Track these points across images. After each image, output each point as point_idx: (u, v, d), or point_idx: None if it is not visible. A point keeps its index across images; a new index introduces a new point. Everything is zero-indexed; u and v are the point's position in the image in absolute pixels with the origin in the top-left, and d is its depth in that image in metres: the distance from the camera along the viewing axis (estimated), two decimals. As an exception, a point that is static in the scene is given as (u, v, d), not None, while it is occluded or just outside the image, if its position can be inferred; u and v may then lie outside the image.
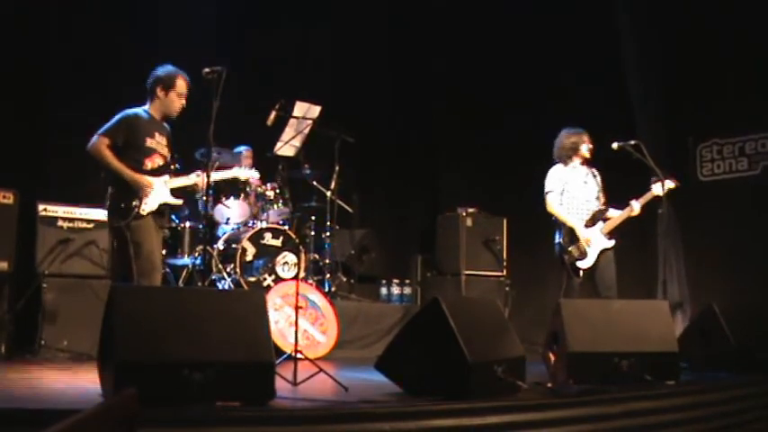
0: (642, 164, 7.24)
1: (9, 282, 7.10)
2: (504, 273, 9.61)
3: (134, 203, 5.77)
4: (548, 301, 7.77)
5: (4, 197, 7.11)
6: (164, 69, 6.04)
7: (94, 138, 5.84)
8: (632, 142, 7.32)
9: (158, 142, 6.00)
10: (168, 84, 5.99)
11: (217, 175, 6.50)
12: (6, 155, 7.93)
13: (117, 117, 5.92)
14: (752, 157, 8.96)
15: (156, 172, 5.96)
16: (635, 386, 5.44)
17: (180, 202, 6.13)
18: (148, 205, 5.81)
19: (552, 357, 5.79)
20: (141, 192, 5.80)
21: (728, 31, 8.87)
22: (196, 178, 6.13)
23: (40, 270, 7.23)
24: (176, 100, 6.01)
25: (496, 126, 10.57)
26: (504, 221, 9.71)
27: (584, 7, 9.70)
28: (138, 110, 6.01)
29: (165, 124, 6.16)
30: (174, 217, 8.20)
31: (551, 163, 7.56)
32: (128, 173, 5.80)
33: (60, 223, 7.41)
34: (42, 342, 6.99)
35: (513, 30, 10.33)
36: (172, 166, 6.18)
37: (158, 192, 5.89)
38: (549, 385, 5.39)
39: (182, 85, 6.00)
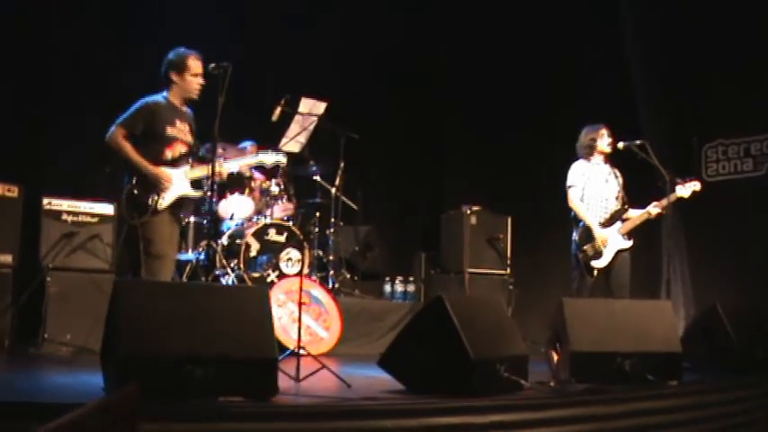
0: (647, 163, 7.24)
1: (13, 275, 7.11)
2: (508, 271, 9.60)
3: (151, 199, 5.69)
4: (551, 299, 7.77)
5: (8, 190, 7.11)
6: (174, 52, 5.93)
7: (112, 128, 5.76)
8: (638, 142, 7.32)
9: (180, 129, 5.90)
10: (181, 66, 5.88)
11: (243, 161, 6.43)
12: (11, 148, 7.94)
13: (136, 105, 5.82)
14: (757, 157, 8.94)
15: (178, 161, 5.87)
16: (637, 386, 5.43)
17: (199, 194, 6.01)
18: (165, 200, 5.73)
19: (555, 356, 5.79)
20: (159, 186, 5.72)
21: (733, 30, 8.86)
22: (218, 167, 5.95)
23: (44, 264, 7.22)
24: (192, 81, 5.90)
25: (501, 124, 10.57)
26: (509, 220, 9.70)
27: (589, 7, 9.69)
28: (158, 97, 5.90)
29: (187, 109, 6.05)
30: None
31: (570, 160, 7.54)
32: (146, 166, 5.71)
33: (65, 217, 7.41)
34: (45, 336, 6.98)
35: (518, 28, 10.33)
36: (194, 153, 6.08)
37: (177, 185, 5.81)
38: (552, 384, 5.39)
39: (195, 64, 5.89)
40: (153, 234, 5.70)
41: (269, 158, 6.56)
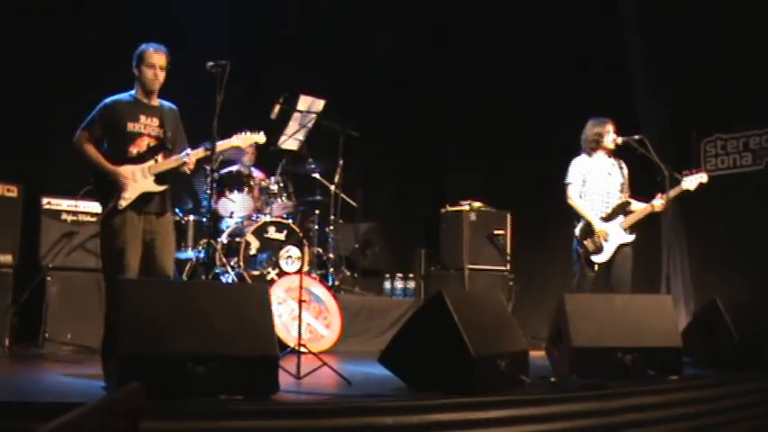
0: (646, 158, 7.23)
1: (13, 275, 7.12)
2: (508, 267, 9.61)
3: (112, 198, 5.60)
4: (551, 295, 7.78)
5: (8, 190, 7.13)
6: (139, 47, 5.85)
7: (77, 132, 5.72)
8: (636, 137, 7.29)
9: (145, 124, 5.77)
10: (138, 59, 5.78)
11: (219, 145, 6.03)
12: (10, 148, 7.94)
13: (95, 108, 5.78)
14: (756, 152, 8.94)
15: (145, 156, 5.74)
16: (638, 381, 5.44)
17: (162, 188, 5.76)
18: (125, 199, 5.59)
19: (556, 352, 5.79)
20: (118, 185, 5.60)
21: (732, 25, 8.86)
22: (184, 157, 5.79)
23: (44, 263, 7.24)
24: (147, 72, 5.75)
25: (501, 120, 10.57)
26: (508, 216, 9.70)
27: (591, 3, 9.69)
28: (121, 95, 5.82)
29: (164, 103, 5.90)
30: (177, 210, 8.18)
31: (570, 155, 7.52)
32: (104, 166, 5.64)
33: (64, 216, 7.43)
34: (46, 335, 7.00)
35: (519, 24, 10.32)
36: (166, 146, 5.83)
37: (138, 182, 5.67)
38: (553, 380, 5.39)
39: (149, 55, 5.75)
40: (115, 234, 5.57)
41: (243, 141, 6.31)
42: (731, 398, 5.95)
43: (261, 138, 6.47)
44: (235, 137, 6.33)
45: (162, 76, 5.81)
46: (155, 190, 5.74)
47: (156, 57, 5.77)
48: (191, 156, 5.82)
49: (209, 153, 5.91)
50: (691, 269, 9.11)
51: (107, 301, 5.50)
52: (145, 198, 5.69)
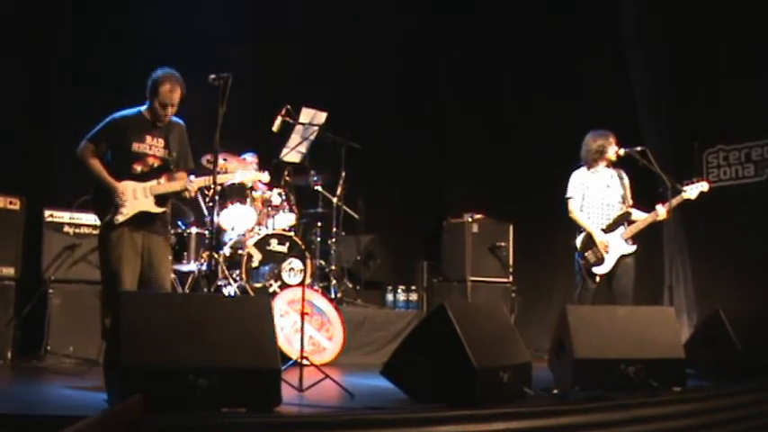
0: (648, 170, 7.22)
1: (15, 287, 7.11)
2: (510, 279, 9.60)
3: (109, 212, 5.61)
4: (554, 307, 7.77)
5: (10, 203, 7.13)
6: (155, 73, 5.77)
7: (82, 143, 5.73)
8: (638, 148, 7.29)
9: (151, 145, 5.76)
10: (152, 90, 5.73)
11: (220, 179, 6.11)
12: (13, 161, 7.95)
13: (103, 122, 5.77)
14: (758, 163, 8.94)
15: (148, 175, 5.75)
16: (641, 393, 5.42)
17: (161, 210, 5.78)
18: (122, 215, 5.59)
19: (558, 364, 5.78)
20: (116, 199, 5.60)
21: (734, 35, 8.87)
22: (187, 184, 5.82)
23: (47, 276, 7.23)
24: (159, 109, 5.73)
25: (503, 132, 10.58)
26: (510, 227, 9.69)
27: (592, 13, 9.70)
28: (131, 111, 5.82)
29: (172, 120, 5.88)
30: (180, 223, 8.19)
31: (571, 167, 7.52)
32: (106, 181, 5.64)
33: (66, 229, 7.42)
34: (48, 348, 6.99)
35: (520, 34, 10.34)
36: (170, 167, 5.86)
37: (138, 199, 5.67)
38: (555, 392, 5.38)
39: (165, 93, 5.68)
40: (110, 249, 5.60)
41: (247, 178, 6.46)
42: (734, 409, 5.93)
43: (265, 176, 6.57)
44: (239, 172, 6.46)
45: (174, 110, 5.81)
46: (153, 211, 5.75)
47: (171, 96, 5.74)
48: (193, 183, 5.84)
49: (210, 182, 5.92)
50: (693, 280, 9.10)
51: (105, 314, 5.51)
52: (142, 217, 5.70)
